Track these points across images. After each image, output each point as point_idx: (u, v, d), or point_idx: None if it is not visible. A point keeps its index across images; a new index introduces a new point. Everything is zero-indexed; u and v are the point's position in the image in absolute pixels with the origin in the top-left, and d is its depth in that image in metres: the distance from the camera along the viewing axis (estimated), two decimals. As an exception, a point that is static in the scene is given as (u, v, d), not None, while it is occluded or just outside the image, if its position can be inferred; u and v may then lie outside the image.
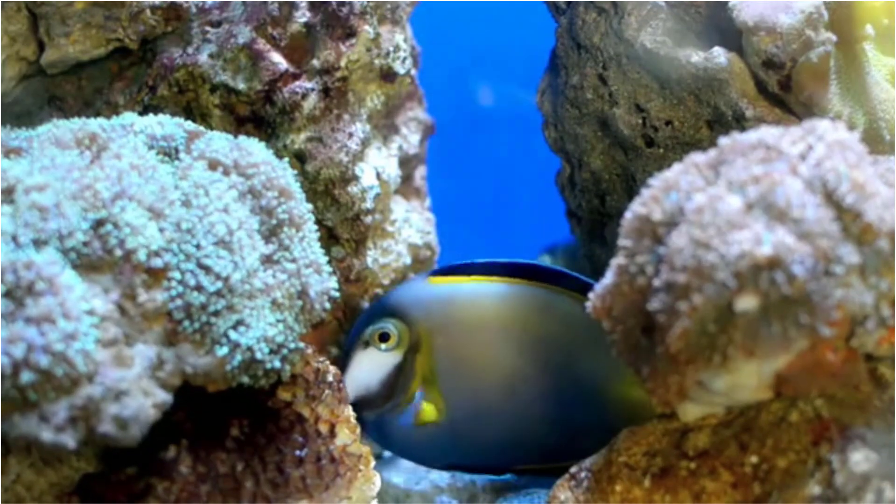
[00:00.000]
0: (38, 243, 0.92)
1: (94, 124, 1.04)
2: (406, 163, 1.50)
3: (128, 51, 1.36)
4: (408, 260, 1.47)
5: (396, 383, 1.26)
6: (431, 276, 1.26)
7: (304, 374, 1.08)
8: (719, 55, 1.14)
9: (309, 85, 1.34)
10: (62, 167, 0.96)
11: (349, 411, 1.11)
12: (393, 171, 1.44)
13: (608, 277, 0.96)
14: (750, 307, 0.85)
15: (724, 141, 0.93)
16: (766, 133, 0.92)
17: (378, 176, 1.40)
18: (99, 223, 0.94)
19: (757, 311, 0.86)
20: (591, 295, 0.97)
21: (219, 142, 1.04)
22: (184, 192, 0.99)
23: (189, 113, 1.36)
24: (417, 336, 1.25)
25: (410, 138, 1.50)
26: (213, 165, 1.02)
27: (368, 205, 1.38)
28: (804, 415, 0.96)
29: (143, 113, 1.33)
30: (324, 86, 1.34)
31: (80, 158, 0.99)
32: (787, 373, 0.92)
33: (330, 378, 1.11)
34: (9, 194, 0.95)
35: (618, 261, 0.94)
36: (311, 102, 1.34)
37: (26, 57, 1.35)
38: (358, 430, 1.09)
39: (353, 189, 1.36)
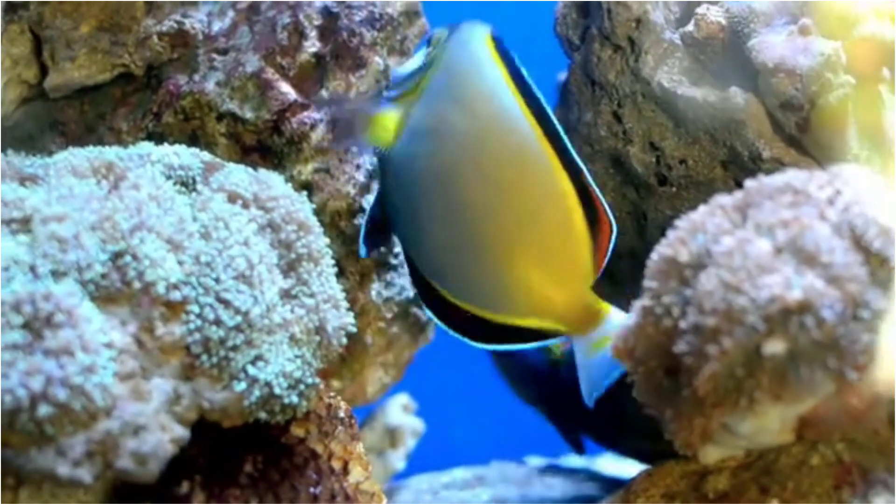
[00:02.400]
0: (57, 275, 0.90)
1: (111, 153, 1.03)
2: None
3: (131, 76, 1.35)
4: (410, 293, 1.46)
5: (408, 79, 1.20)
6: (493, 42, 1.17)
7: (317, 409, 1.07)
8: (736, 95, 1.14)
9: (317, 115, 1.33)
10: (80, 197, 0.95)
11: (361, 448, 1.09)
12: (398, 203, 1.44)
13: (631, 318, 0.95)
14: (778, 351, 0.85)
15: (750, 184, 0.93)
16: (793, 177, 0.92)
17: (384, 209, 1.39)
18: (117, 255, 0.93)
19: (785, 355, 0.85)
20: (613, 336, 0.97)
21: (238, 174, 1.03)
22: (203, 224, 0.98)
23: (194, 141, 1.34)
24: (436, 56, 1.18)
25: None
26: (232, 198, 1.01)
27: (375, 237, 1.37)
28: (825, 458, 0.96)
29: (147, 139, 1.31)
30: (332, 117, 1.34)
31: (97, 188, 0.97)
32: (810, 416, 0.92)
33: (341, 414, 1.09)
34: (26, 224, 0.93)
35: (643, 302, 0.94)
36: (319, 133, 1.33)
37: (27, 80, 1.34)
38: (370, 467, 1.08)
39: (360, 221, 1.35)
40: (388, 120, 1.18)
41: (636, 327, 0.95)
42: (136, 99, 1.37)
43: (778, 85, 1.11)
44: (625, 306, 1.31)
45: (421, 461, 1.78)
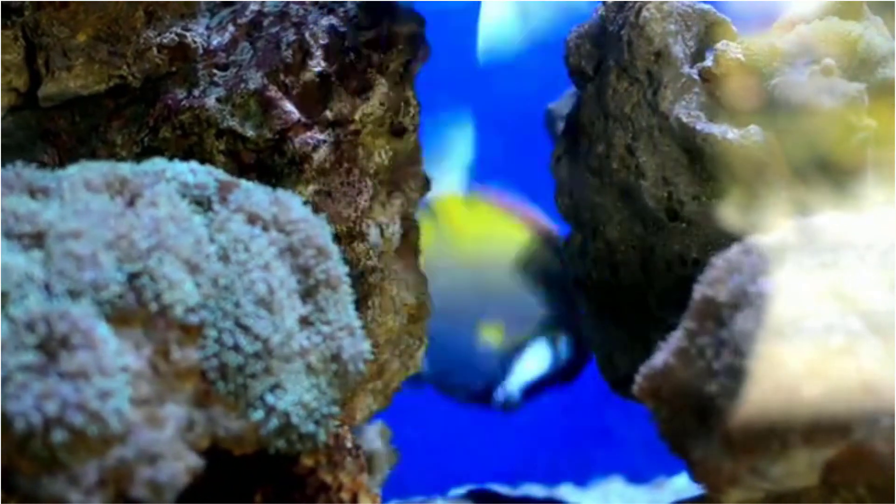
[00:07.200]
0: (74, 294, 0.87)
1: (125, 168, 0.99)
2: (405, 219, 1.47)
3: (124, 87, 1.32)
4: (404, 319, 1.43)
5: None
6: None
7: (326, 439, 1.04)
8: (756, 133, 1.14)
9: (321, 136, 1.30)
10: (97, 213, 0.91)
11: (366, 479, 1.07)
12: (396, 228, 1.41)
13: (659, 358, 0.94)
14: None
15: (789, 224, 0.92)
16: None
17: (382, 233, 1.37)
18: (134, 275, 0.90)
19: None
20: (637, 377, 0.95)
21: (258, 195, 1.00)
22: (221, 245, 0.95)
23: (190, 157, 1.30)
24: None
25: (411, 195, 1.46)
26: (252, 219, 0.97)
27: (374, 262, 1.34)
28: (846, 502, 0.95)
29: (142, 154, 1.28)
30: (335, 138, 1.31)
31: (112, 204, 0.94)
32: (837, 461, 0.91)
33: (349, 444, 1.06)
34: (39, 239, 0.90)
35: (676, 342, 0.92)
36: (321, 155, 1.30)
37: (17, 88, 1.30)
38: (378, 500, 1.05)
39: (360, 246, 1.33)
40: None
41: (665, 368, 0.93)
42: (129, 112, 1.33)
43: (801, 124, 1.11)
44: (625, 341, 1.31)
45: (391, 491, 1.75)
